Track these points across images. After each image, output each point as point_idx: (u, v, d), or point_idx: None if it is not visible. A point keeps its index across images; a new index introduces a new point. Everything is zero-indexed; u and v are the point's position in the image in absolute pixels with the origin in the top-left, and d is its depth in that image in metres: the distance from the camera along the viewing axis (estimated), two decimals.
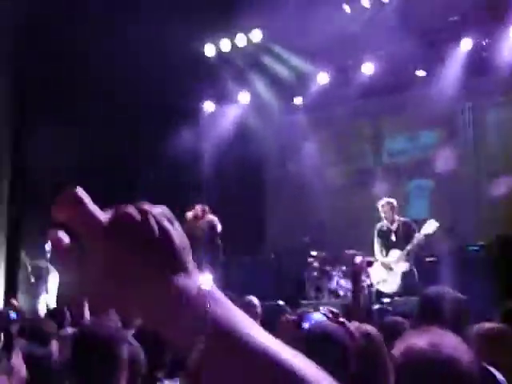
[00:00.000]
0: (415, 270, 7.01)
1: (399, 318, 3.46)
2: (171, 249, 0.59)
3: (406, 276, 6.94)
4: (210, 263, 7.29)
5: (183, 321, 0.58)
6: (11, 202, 9.84)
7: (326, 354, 1.89)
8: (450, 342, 1.47)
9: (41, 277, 8.76)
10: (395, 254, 7.06)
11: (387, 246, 7.17)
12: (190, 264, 0.61)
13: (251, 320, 0.61)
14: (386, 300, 6.88)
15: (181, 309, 0.58)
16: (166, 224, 0.60)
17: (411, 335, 1.52)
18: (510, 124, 9.32)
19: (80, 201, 0.58)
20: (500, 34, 8.81)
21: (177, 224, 0.61)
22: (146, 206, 0.60)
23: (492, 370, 2.29)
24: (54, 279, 8.68)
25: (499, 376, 2.29)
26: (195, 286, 0.59)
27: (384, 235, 7.22)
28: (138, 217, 0.58)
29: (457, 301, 2.50)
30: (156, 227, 0.59)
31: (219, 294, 0.61)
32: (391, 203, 7.27)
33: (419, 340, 1.45)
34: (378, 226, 7.32)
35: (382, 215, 7.28)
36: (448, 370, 1.42)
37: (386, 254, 7.16)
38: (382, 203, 7.31)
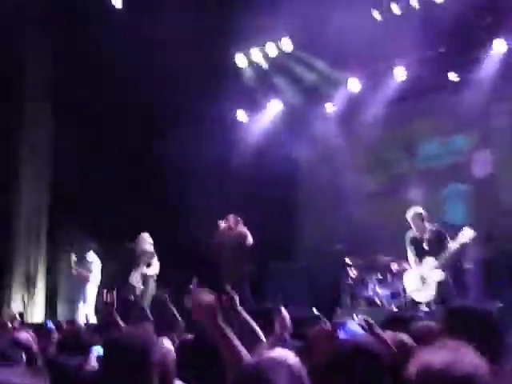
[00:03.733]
0: (450, 278, 6.86)
1: (431, 323, 3.32)
2: None
3: (440, 285, 6.79)
4: (238, 275, 7.25)
5: None
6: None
7: (361, 366, 1.87)
8: (465, 359, 1.42)
9: (81, 284, 8.85)
10: (429, 262, 6.91)
11: (420, 255, 7.01)
12: None
13: None
14: (421, 308, 6.74)
15: None
16: None
17: (425, 353, 1.48)
18: None
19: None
20: None
21: None
22: None
23: None
24: (92, 289, 8.76)
25: None
26: None
27: (416, 244, 7.06)
28: None
29: (485, 314, 2.40)
30: None
31: None
32: (420, 213, 7.03)
33: (433, 358, 1.42)
34: (410, 234, 7.11)
35: (413, 227, 7.11)
36: None
37: (420, 263, 7.02)
38: (410, 215, 7.05)
